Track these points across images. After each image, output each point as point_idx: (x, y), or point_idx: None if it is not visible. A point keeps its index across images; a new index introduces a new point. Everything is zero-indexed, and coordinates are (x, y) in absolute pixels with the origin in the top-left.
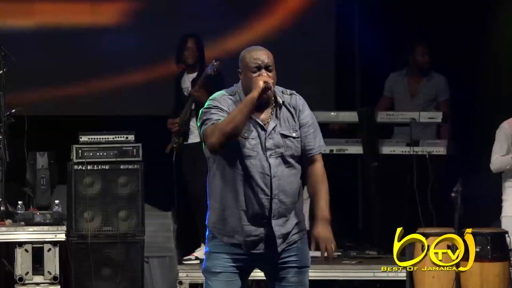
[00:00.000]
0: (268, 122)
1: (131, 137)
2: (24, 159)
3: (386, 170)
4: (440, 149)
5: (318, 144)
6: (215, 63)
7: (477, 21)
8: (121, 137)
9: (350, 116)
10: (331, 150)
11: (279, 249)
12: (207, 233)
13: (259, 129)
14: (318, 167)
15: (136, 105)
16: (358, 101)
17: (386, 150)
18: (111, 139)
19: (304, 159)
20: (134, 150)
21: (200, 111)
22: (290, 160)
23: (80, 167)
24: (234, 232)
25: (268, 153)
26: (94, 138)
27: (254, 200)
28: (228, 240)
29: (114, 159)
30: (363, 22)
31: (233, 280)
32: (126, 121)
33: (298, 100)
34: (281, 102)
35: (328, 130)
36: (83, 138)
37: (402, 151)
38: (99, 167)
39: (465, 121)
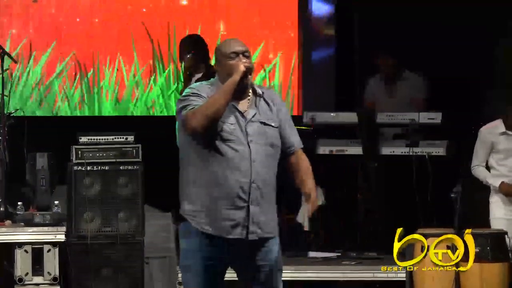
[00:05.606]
0: (247, 110)
1: (130, 138)
2: (24, 160)
3: (386, 170)
4: (439, 150)
5: (298, 139)
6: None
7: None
8: (120, 138)
9: (350, 117)
10: (331, 151)
11: (256, 236)
12: (181, 227)
13: (239, 115)
14: (305, 158)
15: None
16: (357, 102)
17: (385, 150)
18: (111, 140)
19: (285, 155)
20: (134, 150)
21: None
22: (270, 148)
23: (79, 167)
24: (212, 216)
25: (249, 138)
26: (94, 139)
27: (234, 183)
28: (206, 228)
29: (113, 160)
30: (363, 23)
31: (214, 275)
32: (125, 121)
33: (274, 94)
34: (260, 92)
35: (327, 131)
36: (83, 139)
37: (402, 152)
38: (99, 168)
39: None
